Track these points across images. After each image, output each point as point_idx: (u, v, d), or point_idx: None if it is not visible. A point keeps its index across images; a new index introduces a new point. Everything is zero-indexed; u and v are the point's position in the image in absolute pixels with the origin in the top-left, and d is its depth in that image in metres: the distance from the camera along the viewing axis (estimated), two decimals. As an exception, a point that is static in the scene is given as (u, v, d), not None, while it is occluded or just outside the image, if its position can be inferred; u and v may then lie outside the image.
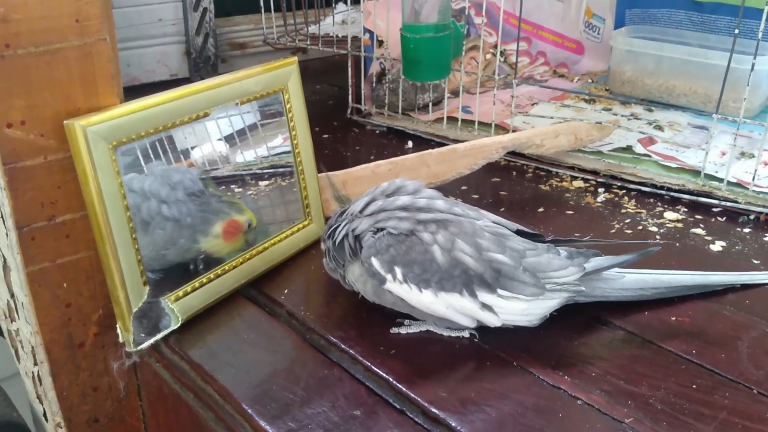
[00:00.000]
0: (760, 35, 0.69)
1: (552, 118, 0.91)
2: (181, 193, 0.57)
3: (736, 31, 0.69)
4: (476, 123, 0.88)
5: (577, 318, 0.55)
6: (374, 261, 0.51)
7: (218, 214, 0.59)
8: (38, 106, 0.51)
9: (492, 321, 0.51)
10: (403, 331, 0.54)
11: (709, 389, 0.48)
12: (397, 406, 0.47)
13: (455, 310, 0.50)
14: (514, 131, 0.83)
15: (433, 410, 0.46)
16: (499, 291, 0.50)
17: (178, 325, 0.55)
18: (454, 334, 0.53)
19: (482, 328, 0.53)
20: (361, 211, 0.53)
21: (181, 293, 0.56)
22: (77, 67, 0.51)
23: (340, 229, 0.54)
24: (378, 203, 0.53)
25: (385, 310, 0.56)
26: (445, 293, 0.50)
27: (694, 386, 0.48)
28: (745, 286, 0.59)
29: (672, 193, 0.75)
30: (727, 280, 0.59)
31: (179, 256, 0.57)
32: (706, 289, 0.58)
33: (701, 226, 0.69)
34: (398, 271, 0.50)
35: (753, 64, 0.69)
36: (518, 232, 0.54)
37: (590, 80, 1.08)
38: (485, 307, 0.50)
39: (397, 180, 0.55)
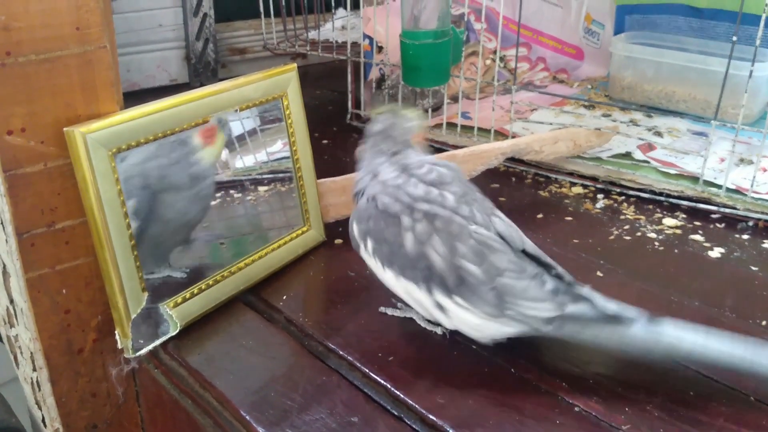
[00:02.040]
0: (758, 42, 0.69)
1: (551, 124, 0.91)
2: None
3: (734, 38, 0.69)
4: (475, 129, 0.88)
5: (575, 325, 0.55)
6: (354, 227, 0.53)
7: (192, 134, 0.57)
8: (38, 113, 0.51)
9: (444, 322, 0.50)
10: (389, 312, 0.55)
11: (706, 396, 0.48)
12: (395, 413, 0.47)
13: (412, 297, 0.51)
14: (513, 137, 0.83)
15: (431, 417, 0.46)
16: (455, 297, 0.48)
17: (177, 331, 0.55)
18: (429, 327, 0.54)
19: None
20: (384, 178, 0.52)
21: (179, 299, 0.56)
22: (77, 75, 0.52)
23: (364, 176, 0.54)
24: (399, 179, 0.52)
25: (383, 317, 0.56)
26: (404, 279, 0.50)
27: (692, 393, 0.48)
28: (745, 293, 0.59)
29: (671, 200, 0.75)
30: None
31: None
32: (750, 373, 0.46)
33: (700, 232, 0.69)
34: (369, 243, 0.51)
35: (751, 71, 0.70)
36: (525, 253, 0.50)
37: (590, 86, 1.08)
38: (439, 306, 0.49)
39: (441, 168, 0.52)
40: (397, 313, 0.56)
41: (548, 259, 0.50)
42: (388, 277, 0.51)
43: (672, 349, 0.47)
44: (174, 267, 0.59)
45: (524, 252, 0.50)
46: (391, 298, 0.59)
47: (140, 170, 0.54)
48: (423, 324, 0.55)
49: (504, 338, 0.50)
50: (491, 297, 0.47)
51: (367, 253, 0.52)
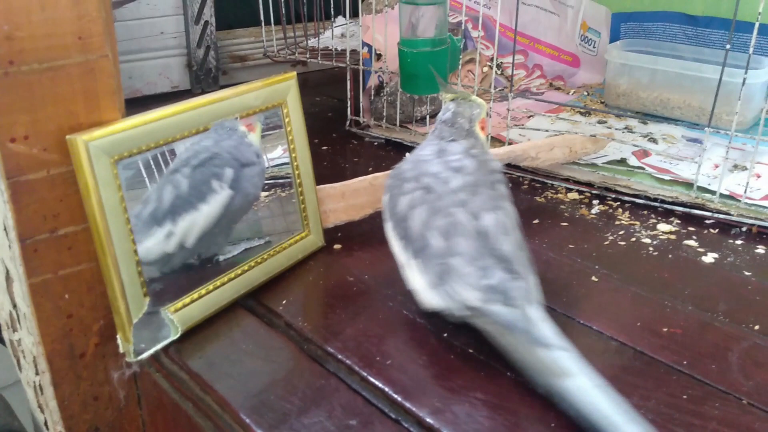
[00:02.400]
0: (751, 50, 0.70)
1: (547, 131, 0.92)
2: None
3: (728, 46, 0.70)
4: (473, 135, 0.89)
5: (570, 329, 0.56)
6: (388, 179, 0.60)
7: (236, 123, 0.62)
8: (41, 121, 0.52)
9: (408, 280, 0.55)
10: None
11: (699, 400, 0.48)
12: (393, 416, 0.48)
13: (396, 249, 0.57)
14: (510, 144, 0.84)
15: (428, 420, 0.47)
16: (414, 260, 0.54)
17: (178, 335, 0.56)
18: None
19: (478, 339, 0.54)
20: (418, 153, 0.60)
21: (180, 304, 0.57)
22: (80, 83, 0.53)
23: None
24: (428, 157, 0.58)
25: (381, 321, 0.57)
26: (393, 231, 0.57)
27: (685, 397, 0.49)
28: (738, 298, 0.60)
29: (665, 205, 0.76)
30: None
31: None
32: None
33: (694, 237, 0.70)
34: (386, 196, 0.59)
35: (744, 79, 0.71)
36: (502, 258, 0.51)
37: (586, 93, 1.09)
38: (407, 264, 0.55)
39: (468, 160, 0.57)
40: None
41: (519, 268, 0.51)
42: (388, 226, 0.58)
43: (559, 391, 0.46)
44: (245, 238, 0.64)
45: (495, 250, 0.51)
46: (388, 302, 0.60)
47: (221, 148, 0.60)
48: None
49: (433, 309, 0.53)
50: (437, 270, 0.52)
51: (383, 202, 0.59)
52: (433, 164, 0.57)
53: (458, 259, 0.51)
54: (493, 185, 0.56)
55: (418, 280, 0.54)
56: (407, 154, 0.62)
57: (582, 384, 0.45)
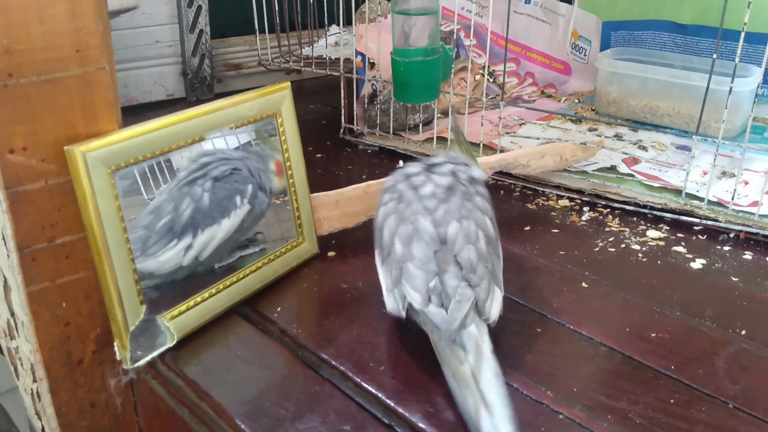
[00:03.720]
0: (737, 59, 0.71)
1: (538, 138, 0.93)
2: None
3: (715, 55, 0.72)
4: (465, 143, 0.90)
5: (561, 334, 0.57)
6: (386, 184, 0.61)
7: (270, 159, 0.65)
8: (39, 132, 0.52)
9: (381, 282, 0.57)
10: None
11: (686, 404, 0.49)
12: (386, 422, 0.49)
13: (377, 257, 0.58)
14: (501, 151, 0.85)
15: (421, 425, 0.48)
16: (382, 266, 0.56)
17: (174, 342, 0.57)
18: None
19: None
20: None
21: (176, 312, 0.57)
22: (77, 95, 0.53)
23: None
24: (414, 169, 0.59)
25: (375, 328, 0.58)
26: (375, 239, 0.58)
27: (672, 401, 0.50)
28: (725, 303, 0.61)
29: (654, 212, 0.77)
30: None
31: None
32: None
33: (683, 244, 0.71)
34: (380, 210, 0.59)
35: (731, 87, 0.72)
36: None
37: (577, 100, 1.11)
38: (378, 270, 0.57)
39: (445, 170, 0.58)
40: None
41: (474, 277, 0.51)
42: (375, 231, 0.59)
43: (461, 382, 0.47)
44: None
45: (456, 258, 0.52)
46: (382, 308, 0.60)
47: (245, 165, 0.62)
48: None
49: (395, 313, 0.53)
50: (395, 274, 0.53)
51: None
52: (415, 176, 0.58)
53: (412, 263, 0.52)
54: (471, 197, 0.56)
55: (383, 284, 0.56)
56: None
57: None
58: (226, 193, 0.60)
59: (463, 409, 0.46)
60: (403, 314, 0.53)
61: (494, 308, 0.51)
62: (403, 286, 0.52)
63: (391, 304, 0.54)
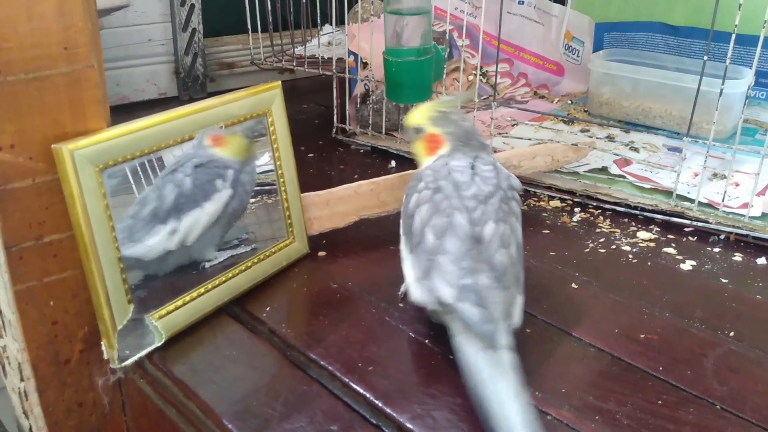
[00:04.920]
0: (728, 61, 0.71)
1: (530, 139, 0.93)
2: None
3: (705, 57, 0.72)
4: (457, 143, 0.90)
5: (550, 335, 0.57)
6: (411, 181, 0.61)
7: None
8: (27, 130, 0.52)
9: (404, 272, 0.57)
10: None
11: (674, 405, 0.49)
12: (374, 422, 0.49)
13: (401, 241, 0.58)
14: (493, 152, 0.85)
15: (408, 426, 0.48)
16: (410, 254, 0.56)
17: (162, 342, 0.57)
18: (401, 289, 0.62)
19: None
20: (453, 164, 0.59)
21: (164, 311, 0.57)
22: (66, 93, 0.53)
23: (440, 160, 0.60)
24: (461, 166, 0.58)
25: (364, 328, 0.58)
26: (402, 226, 0.59)
27: (660, 402, 0.50)
28: (715, 305, 0.61)
29: (645, 213, 0.77)
30: None
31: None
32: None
33: (673, 245, 0.71)
34: (405, 196, 0.60)
35: (721, 89, 0.72)
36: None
37: (570, 101, 1.11)
38: (404, 258, 0.57)
39: (493, 171, 0.58)
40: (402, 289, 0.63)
41: (505, 280, 0.51)
42: (401, 221, 0.60)
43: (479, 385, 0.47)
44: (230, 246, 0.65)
45: (490, 260, 0.52)
46: (371, 309, 0.61)
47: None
48: (403, 287, 0.62)
49: (420, 304, 0.54)
50: (425, 265, 0.53)
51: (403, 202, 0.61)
52: (459, 173, 0.57)
53: (445, 257, 0.52)
54: (509, 201, 0.57)
55: (409, 273, 0.55)
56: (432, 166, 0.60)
57: (506, 387, 0.46)
58: (208, 177, 0.61)
59: (488, 407, 0.45)
60: (437, 306, 0.52)
61: (518, 314, 0.52)
62: (432, 278, 0.52)
63: (421, 294, 0.53)
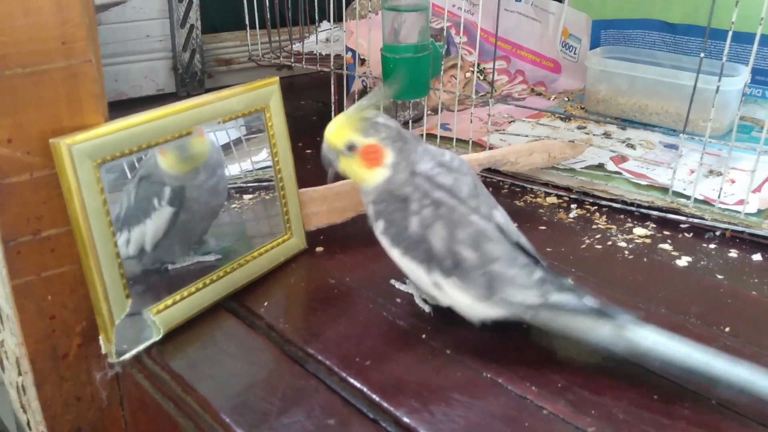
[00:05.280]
0: (724, 58, 0.71)
1: (527, 136, 0.93)
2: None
3: (702, 54, 0.72)
4: (454, 140, 0.90)
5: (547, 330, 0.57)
6: (370, 208, 0.57)
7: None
8: (25, 124, 0.52)
9: (440, 299, 0.55)
10: (396, 284, 0.62)
11: (670, 400, 0.50)
12: (371, 416, 0.49)
13: (414, 275, 0.55)
14: (490, 149, 0.85)
15: (405, 420, 0.48)
16: (451, 279, 0.53)
17: (160, 336, 0.57)
18: (420, 305, 0.60)
19: (457, 340, 0.55)
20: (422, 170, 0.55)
21: (162, 306, 0.57)
22: (63, 88, 0.53)
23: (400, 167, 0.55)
24: (435, 170, 0.55)
25: (361, 323, 0.58)
26: (408, 258, 0.55)
27: (656, 397, 0.50)
28: (710, 301, 0.61)
29: (641, 210, 0.78)
30: (737, 378, 0.47)
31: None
32: (700, 380, 0.48)
33: (669, 241, 0.72)
34: (381, 223, 0.56)
35: (717, 87, 0.72)
36: (519, 246, 0.54)
37: (567, 99, 1.11)
38: (436, 285, 0.54)
39: (459, 156, 0.58)
40: (402, 287, 0.62)
41: (537, 255, 0.54)
42: (394, 254, 0.56)
43: (634, 348, 0.49)
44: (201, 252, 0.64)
45: (518, 244, 0.54)
46: (369, 304, 0.61)
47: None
48: (418, 302, 0.60)
49: (491, 319, 0.54)
50: (483, 281, 0.52)
51: (378, 232, 0.56)
52: (443, 175, 0.55)
53: (498, 264, 0.51)
54: (476, 176, 0.58)
55: (460, 298, 0.53)
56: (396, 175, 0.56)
57: (657, 338, 0.49)
58: (146, 194, 0.60)
59: (680, 363, 0.48)
60: (524, 312, 0.52)
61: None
62: (502, 290, 0.51)
63: (494, 312, 0.52)
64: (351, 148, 0.55)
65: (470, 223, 0.53)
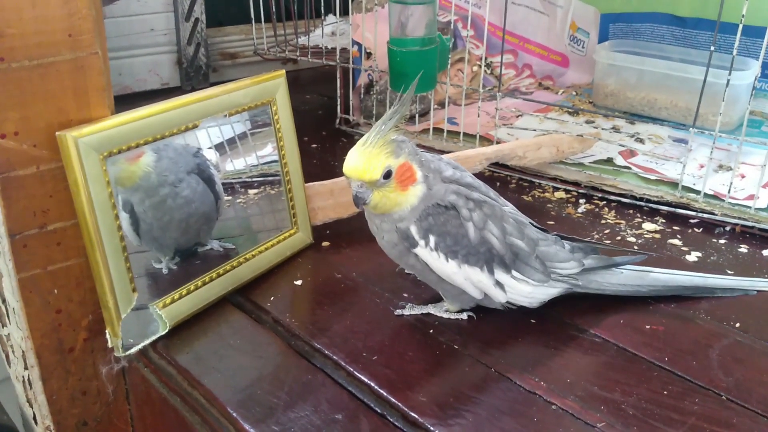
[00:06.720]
0: (734, 52, 0.71)
1: (535, 130, 0.93)
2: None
3: (712, 48, 0.71)
4: (461, 134, 0.90)
5: (555, 325, 0.57)
6: (413, 227, 0.53)
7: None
8: (31, 117, 0.52)
9: (499, 297, 0.55)
10: (406, 313, 0.58)
11: (679, 395, 0.49)
12: (378, 411, 0.49)
13: (471, 282, 0.54)
14: (498, 143, 0.85)
15: (413, 415, 0.48)
16: (513, 272, 0.55)
17: (166, 331, 0.56)
18: (453, 317, 0.57)
19: (464, 336, 0.55)
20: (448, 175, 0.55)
21: (168, 300, 0.57)
22: (70, 80, 0.53)
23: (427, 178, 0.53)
24: (457, 174, 0.56)
25: (368, 318, 0.58)
26: (468, 266, 0.54)
27: (665, 392, 0.50)
28: (720, 296, 0.61)
29: (651, 205, 0.77)
30: (725, 284, 0.61)
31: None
32: (702, 292, 0.61)
33: (678, 237, 0.71)
34: (432, 239, 0.53)
35: (728, 80, 0.71)
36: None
37: (575, 92, 1.10)
38: (498, 284, 0.55)
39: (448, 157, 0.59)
40: (414, 311, 0.58)
41: (542, 227, 0.59)
42: (449, 268, 0.53)
43: (653, 281, 0.59)
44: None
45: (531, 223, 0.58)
46: (376, 299, 0.60)
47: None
48: (446, 315, 0.58)
49: (548, 299, 0.57)
50: (538, 265, 0.55)
51: (428, 249, 0.53)
52: (467, 177, 0.56)
53: (541, 246, 0.56)
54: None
55: (523, 288, 0.55)
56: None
57: (659, 272, 0.61)
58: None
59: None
60: (577, 284, 0.57)
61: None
62: (554, 268, 0.56)
63: (554, 291, 0.56)
64: (388, 175, 0.50)
65: (507, 214, 0.55)
